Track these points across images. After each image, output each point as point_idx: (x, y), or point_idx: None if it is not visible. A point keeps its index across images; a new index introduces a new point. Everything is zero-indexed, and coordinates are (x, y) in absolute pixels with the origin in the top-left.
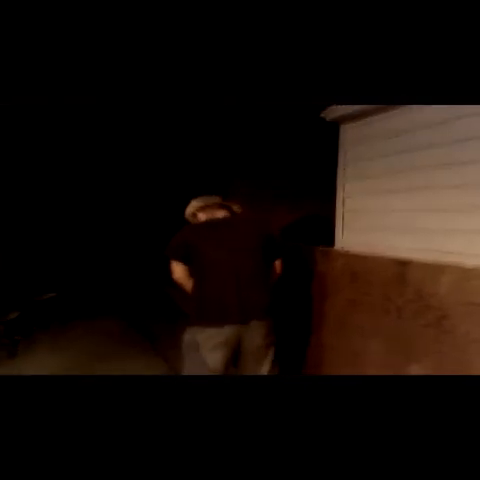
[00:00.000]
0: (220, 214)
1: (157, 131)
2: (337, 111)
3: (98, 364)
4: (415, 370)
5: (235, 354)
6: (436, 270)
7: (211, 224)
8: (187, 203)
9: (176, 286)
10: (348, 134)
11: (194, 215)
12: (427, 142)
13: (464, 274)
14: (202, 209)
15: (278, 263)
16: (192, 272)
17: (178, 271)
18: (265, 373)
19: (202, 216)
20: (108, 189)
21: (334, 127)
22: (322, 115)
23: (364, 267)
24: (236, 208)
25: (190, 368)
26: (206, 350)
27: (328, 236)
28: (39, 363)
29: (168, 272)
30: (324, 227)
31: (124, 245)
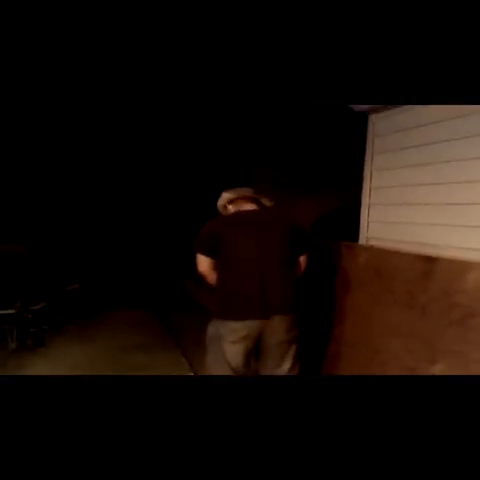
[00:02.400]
0: (249, 207)
1: (178, 122)
2: None
3: (121, 356)
4: (438, 370)
5: (257, 348)
6: (463, 267)
7: (239, 217)
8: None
9: (195, 279)
10: (377, 124)
11: (225, 207)
12: (459, 134)
13: None
14: (232, 201)
15: (303, 258)
16: (217, 264)
17: (203, 264)
18: (286, 369)
19: (232, 208)
20: (132, 182)
21: (361, 118)
22: (350, 105)
23: (388, 263)
24: (266, 201)
25: (213, 360)
26: (227, 343)
27: (348, 229)
28: (65, 353)
29: (187, 265)
30: (344, 220)
31: (147, 237)
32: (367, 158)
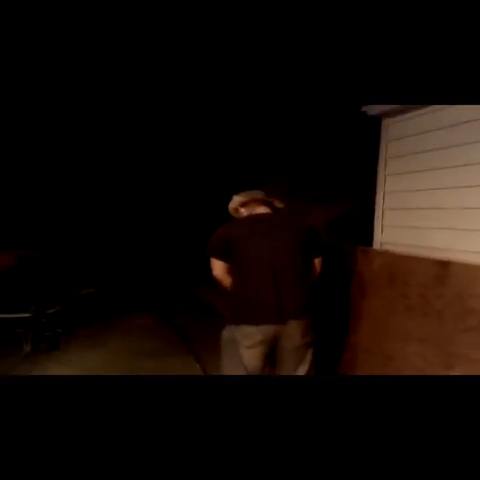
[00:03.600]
0: (262, 210)
1: (193, 128)
2: (380, 105)
3: (134, 361)
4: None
5: (272, 353)
6: (479, 271)
7: (251, 219)
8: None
9: (208, 284)
10: (390, 129)
11: (236, 210)
12: (474, 137)
13: None
14: (244, 204)
15: (318, 261)
16: (231, 268)
17: (218, 268)
18: (302, 374)
19: (244, 211)
20: (146, 189)
21: (375, 122)
22: (364, 109)
23: (402, 267)
24: (278, 204)
25: (228, 365)
26: (243, 348)
27: (362, 235)
28: (79, 357)
29: (200, 270)
30: (358, 225)
31: (160, 243)
32: (380, 163)
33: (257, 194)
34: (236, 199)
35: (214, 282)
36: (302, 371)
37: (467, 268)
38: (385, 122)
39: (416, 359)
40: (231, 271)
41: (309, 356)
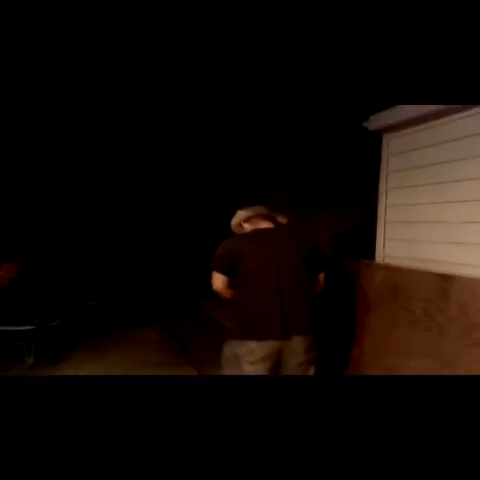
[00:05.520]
0: (265, 225)
1: (194, 138)
2: (380, 121)
3: (136, 373)
4: None
5: (275, 369)
6: None
7: (255, 235)
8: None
9: (213, 298)
10: (391, 144)
11: (239, 225)
12: (475, 152)
13: None
14: (247, 219)
15: (321, 276)
16: (234, 283)
17: (219, 282)
18: None
19: (247, 227)
20: (149, 201)
21: (376, 137)
22: (364, 124)
23: (405, 281)
24: (281, 219)
25: None
26: (246, 364)
27: (365, 247)
28: (81, 370)
29: (205, 284)
30: (361, 238)
31: (164, 256)
32: (382, 177)
33: (261, 209)
34: (240, 214)
35: (216, 295)
36: None
37: (470, 282)
38: (386, 137)
39: (418, 374)
40: (235, 286)
41: (312, 373)
